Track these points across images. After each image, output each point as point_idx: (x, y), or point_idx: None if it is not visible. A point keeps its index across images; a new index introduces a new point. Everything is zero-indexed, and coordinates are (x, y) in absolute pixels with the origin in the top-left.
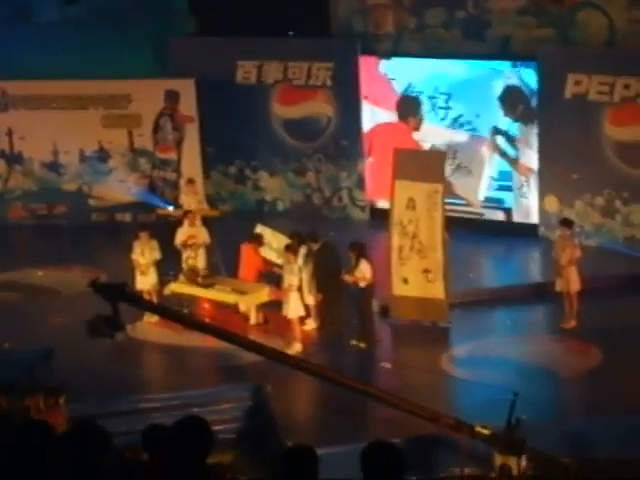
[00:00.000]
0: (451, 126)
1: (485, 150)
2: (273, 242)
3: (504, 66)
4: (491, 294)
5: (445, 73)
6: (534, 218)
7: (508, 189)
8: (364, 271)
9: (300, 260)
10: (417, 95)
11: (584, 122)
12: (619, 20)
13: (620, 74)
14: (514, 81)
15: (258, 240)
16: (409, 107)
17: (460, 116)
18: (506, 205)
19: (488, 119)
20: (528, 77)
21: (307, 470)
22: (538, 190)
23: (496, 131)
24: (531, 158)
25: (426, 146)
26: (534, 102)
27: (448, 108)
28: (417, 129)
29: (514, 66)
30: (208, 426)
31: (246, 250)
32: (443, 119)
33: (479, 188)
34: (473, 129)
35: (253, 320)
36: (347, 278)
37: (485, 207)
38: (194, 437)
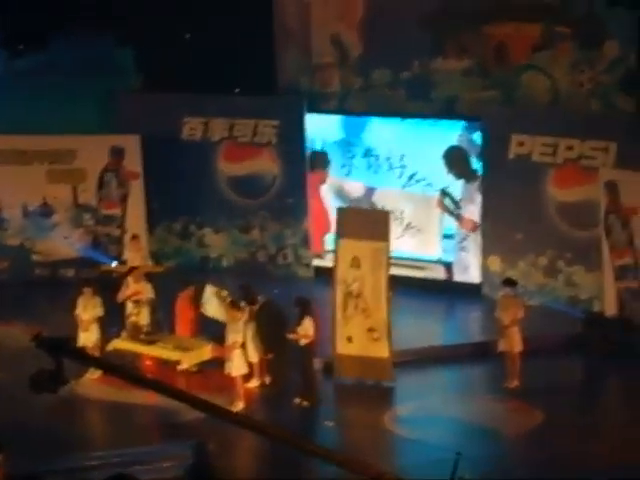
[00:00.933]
0: (406, 185)
1: (435, 208)
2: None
3: (452, 125)
4: (435, 353)
5: (395, 132)
6: (477, 276)
7: (453, 247)
8: (307, 328)
9: (244, 317)
10: (325, 151)
11: (528, 183)
12: (562, 82)
13: (563, 135)
14: (460, 140)
15: (192, 292)
16: (319, 161)
17: (414, 174)
18: (450, 263)
19: (440, 177)
20: (473, 137)
21: None
22: (481, 250)
23: (443, 190)
24: (476, 215)
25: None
26: (478, 162)
27: (403, 167)
28: (323, 182)
29: (461, 126)
30: None
31: (181, 302)
32: (399, 177)
33: (430, 246)
34: (428, 185)
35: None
36: (290, 335)
37: (430, 265)
38: None
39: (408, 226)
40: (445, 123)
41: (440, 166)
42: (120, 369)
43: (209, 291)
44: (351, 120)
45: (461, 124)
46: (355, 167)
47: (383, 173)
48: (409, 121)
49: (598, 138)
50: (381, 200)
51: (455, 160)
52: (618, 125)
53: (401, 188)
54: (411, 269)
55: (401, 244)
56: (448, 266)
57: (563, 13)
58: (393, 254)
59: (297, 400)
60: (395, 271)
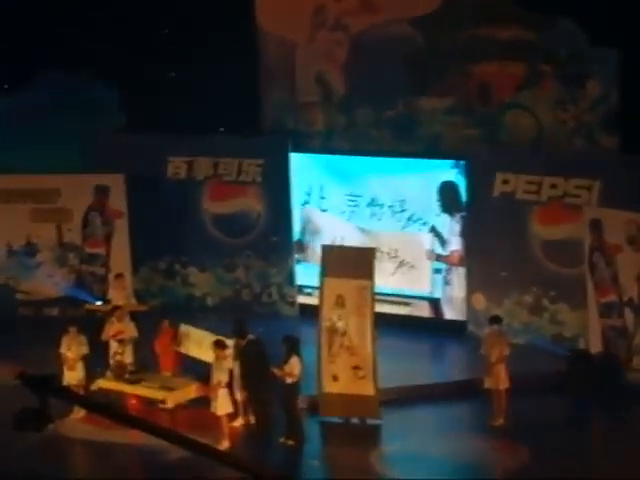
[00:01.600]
0: (405, 226)
1: (426, 246)
2: (200, 340)
3: (437, 164)
4: (420, 391)
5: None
6: (463, 313)
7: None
8: (293, 367)
9: (230, 356)
10: None
11: (512, 221)
12: (546, 120)
13: (547, 174)
14: (449, 179)
15: (172, 331)
16: None
17: (413, 215)
18: (439, 299)
19: (433, 216)
20: (459, 176)
21: None
22: (466, 287)
23: (432, 227)
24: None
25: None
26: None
27: (403, 211)
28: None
29: (447, 165)
30: None
31: (162, 340)
32: (399, 221)
33: (423, 282)
34: (424, 224)
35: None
36: (276, 372)
37: (419, 301)
38: None
39: (401, 263)
40: (430, 162)
41: (428, 204)
42: (106, 408)
43: (182, 330)
44: (336, 159)
45: (447, 163)
46: (339, 207)
47: (376, 215)
48: (394, 160)
49: (582, 176)
50: (374, 241)
51: (447, 194)
52: (602, 163)
53: (393, 228)
54: (401, 306)
55: (393, 281)
56: (436, 302)
57: (546, 52)
58: (384, 290)
59: (282, 439)
60: (385, 307)
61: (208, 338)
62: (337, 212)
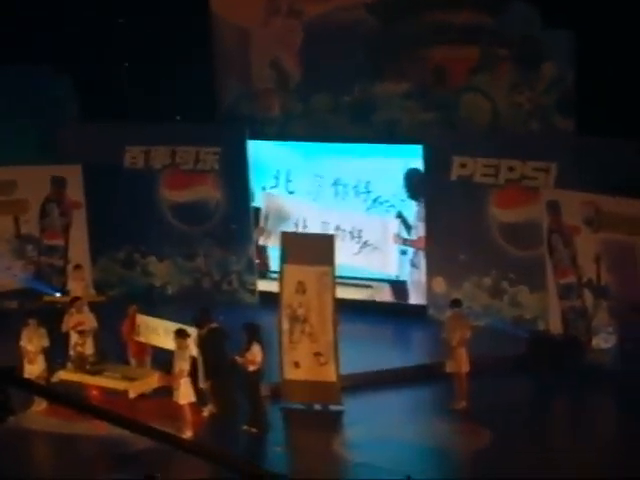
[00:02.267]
0: (371, 207)
1: (392, 229)
2: (156, 328)
3: (402, 149)
4: (382, 376)
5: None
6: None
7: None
8: (255, 354)
9: (192, 345)
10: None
11: (470, 204)
12: (502, 103)
13: (504, 157)
14: (410, 164)
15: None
16: None
17: (379, 197)
18: (405, 282)
19: (400, 199)
20: (417, 160)
21: None
22: (426, 271)
23: (399, 212)
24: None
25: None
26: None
27: (368, 192)
28: None
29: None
30: None
31: (125, 329)
32: (365, 201)
33: (387, 265)
34: (391, 207)
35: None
36: (238, 359)
37: (382, 284)
38: None
39: (365, 244)
40: (390, 147)
41: (394, 188)
42: (69, 398)
43: (139, 319)
44: (294, 145)
45: (406, 147)
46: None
47: (340, 195)
48: (351, 145)
49: (539, 159)
50: (339, 221)
51: (412, 180)
52: (558, 145)
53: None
54: (364, 288)
55: (357, 261)
56: (400, 284)
57: (500, 35)
58: (347, 271)
59: (245, 427)
60: (348, 290)
61: (164, 326)
62: (303, 194)
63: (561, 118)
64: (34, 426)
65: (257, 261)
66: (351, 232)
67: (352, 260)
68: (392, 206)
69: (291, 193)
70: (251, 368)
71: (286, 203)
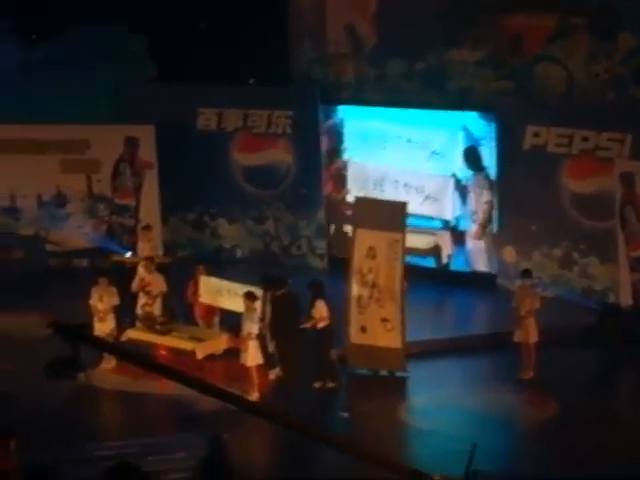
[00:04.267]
0: (428, 160)
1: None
2: (219, 289)
3: (466, 116)
4: (449, 344)
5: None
6: (492, 267)
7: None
8: (320, 310)
9: (260, 308)
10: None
11: (543, 174)
12: (577, 73)
13: (579, 127)
14: (475, 132)
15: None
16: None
17: (446, 161)
18: (463, 232)
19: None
20: (488, 129)
21: None
22: (496, 241)
23: (456, 177)
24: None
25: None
26: (493, 154)
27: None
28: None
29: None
30: (141, 471)
31: (191, 291)
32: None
33: (446, 215)
34: (446, 166)
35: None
36: (306, 324)
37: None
38: None
39: (427, 197)
40: (459, 114)
41: (458, 156)
42: (137, 356)
43: (203, 280)
44: (365, 110)
45: (477, 115)
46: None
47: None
48: (425, 112)
49: (614, 129)
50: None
51: (470, 158)
52: (634, 116)
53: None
54: (423, 235)
55: (419, 210)
56: (461, 233)
57: (578, 4)
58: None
59: (317, 384)
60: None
61: (228, 287)
62: (376, 157)
63: (637, 89)
64: (103, 383)
65: None
66: (417, 188)
67: (417, 210)
68: (457, 171)
69: (364, 157)
70: (321, 324)
71: (360, 166)
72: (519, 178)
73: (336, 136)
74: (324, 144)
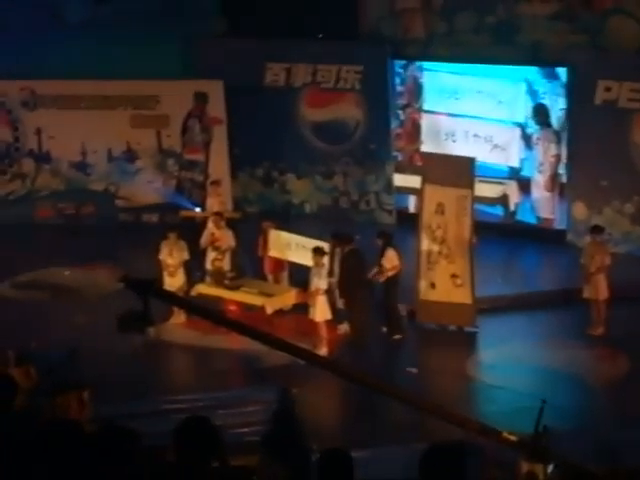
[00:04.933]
0: (494, 110)
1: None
2: (289, 243)
3: (535, 71)
4: (518, 300)
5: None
6: (560, 223)
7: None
8: (391, 259)
9: (327, 263)
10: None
11: (614, 129)
12: None
13: None
14: (544, 87)
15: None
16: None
17: (502, 102)
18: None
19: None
20: (557, 83)
21: (342, 473)
22: (567, 196)
23: (523, 128)
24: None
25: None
26: (562, 109)
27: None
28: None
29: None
30: (211, 425)
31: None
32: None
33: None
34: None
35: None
36: (377, 275)
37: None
38: (197, 436)
39: (495, 147)
40: (530, 69)
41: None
42: (207, 311)
43: (273, 235)
44: (436, 65)
45: (546, 70)
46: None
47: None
48: (494, 67)
49: None
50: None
51: (538, 113)
52: None
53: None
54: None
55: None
56: (527, 182)
57: None
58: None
59: (397, 336)
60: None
61: (297, 241)
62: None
63: None
64: (172, 338)
65: None
66: (485, 138)
67: (486, 159)
68: (524, 122)
69: (427, 111)
70: (391, 273)
71: (433, 118)
72: (590, 133)
73: (407, 90)
74: (397, 98)
